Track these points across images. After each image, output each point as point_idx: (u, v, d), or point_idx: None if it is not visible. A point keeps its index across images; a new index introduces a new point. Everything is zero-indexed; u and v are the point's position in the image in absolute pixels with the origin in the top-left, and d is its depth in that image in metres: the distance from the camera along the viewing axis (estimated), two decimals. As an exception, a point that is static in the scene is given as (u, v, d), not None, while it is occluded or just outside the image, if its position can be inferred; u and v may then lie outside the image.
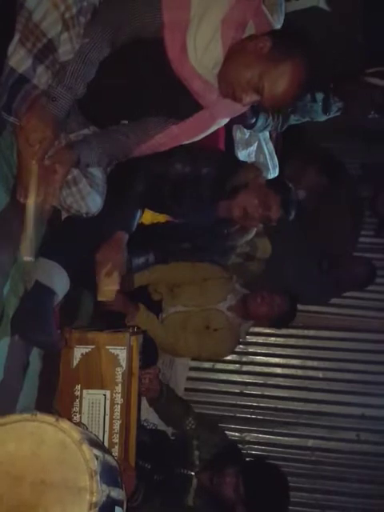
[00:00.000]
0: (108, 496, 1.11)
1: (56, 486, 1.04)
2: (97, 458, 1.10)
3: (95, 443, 1.18)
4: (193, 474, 2.26)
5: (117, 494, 1.20)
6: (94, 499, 1.04)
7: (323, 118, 2.54)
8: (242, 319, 2.53)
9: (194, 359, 2.95)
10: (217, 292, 2.50)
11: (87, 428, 1.61)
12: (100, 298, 1.77)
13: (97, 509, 1.04)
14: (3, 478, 1.05)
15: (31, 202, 1.34)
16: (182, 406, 2.45)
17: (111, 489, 1.14)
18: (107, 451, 1.27)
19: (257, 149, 2.33)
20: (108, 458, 1.22)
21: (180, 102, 1.49)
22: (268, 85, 1.37)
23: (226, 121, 1.66)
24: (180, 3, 1.35)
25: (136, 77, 1.45)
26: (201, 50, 1.37)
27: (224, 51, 1.39)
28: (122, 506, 1.24)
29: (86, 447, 1.07)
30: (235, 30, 1.38)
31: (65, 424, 1.08)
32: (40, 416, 1.09)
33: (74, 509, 1.03)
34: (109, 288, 1.74)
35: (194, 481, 2.24)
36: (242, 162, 2.18)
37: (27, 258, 1.35)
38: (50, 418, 1.08)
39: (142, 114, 1.54)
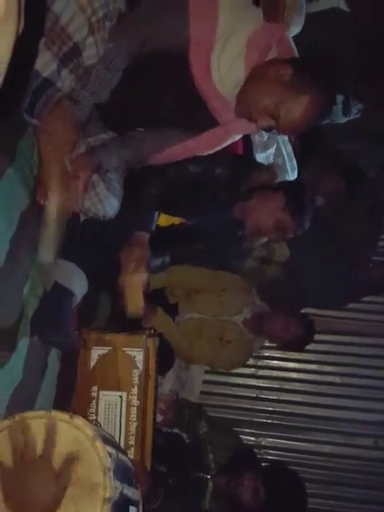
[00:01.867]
0: (121, 493, 1.12)
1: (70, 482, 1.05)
2: (110, 456, 1.10)
3: (109, 441, 1.19)
4: (208, 477, 2.25)
5: (131, 493, 1.20)
6: (108, 495, 1.04)
7: (343, 119, 2.52)
8: (255, 335, 2.52)
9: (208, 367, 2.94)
10: (234, 304, 2.48)
11: (101, 426, 1.61)
12: (129, 315, 1.75)
13: (110, 504, 1.05)
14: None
15: (53, 205, 1.35)
16: (194, 411, 2.45)
17: (125, 486, 1.14)
18: (121, 450, 1.28)
19: (275, 151, 2.32)
20: (122, 456, 1.23)
21: (197, 116, 1.51)
22: (285, 113, 1.39)
23: (239, 136, 1.70)
24: (208, 22, 1.36)
25: (157, 88, 1.47)
26: (224, 70, 1.39)
27: (246, 73, 1.41)
28: (137, 507, 1.24)
29: (99, 444, 1.08)
30: (259, 53, 1.40)
31: (79, 421, 1.09)
32: (54, 413, 1.09)
33: (88, 505, 1.04)
34: (136, 296, 1.72)
35: (210, 484, 2.23)
36: (257, 163, 2.18)
37: (47, 259, 1.35)
38: (65, 415, 1.09)
39: (160, 124, 1.55)
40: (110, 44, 1.35)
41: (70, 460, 1.04)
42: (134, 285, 1.72)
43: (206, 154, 1.65)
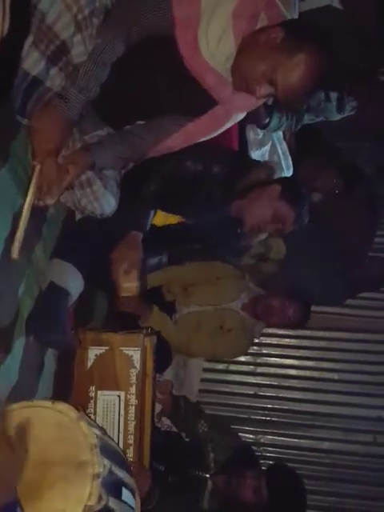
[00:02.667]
0: (111, 471, 1.13)
1: (58, 463, 1.07)
2: (96, 436, 1.12)
3: (94, 425, 1.20)
4: (207, 476, 2.25)
5: (123, 475, 1.21)
6: (96, 471, 1.06)
7: (337, 117, 2.52)
8: (255, 319, 2.53)
9: (208, 360, 2.94)
10: (230, 291, 2.50)
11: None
12: (123, 294, 1.74)
13: (99, 480, 1.06)
14: None
15: (28, 202, 1.34)
16: (194, 410, 2.45)
17: (114, 466, 1.16)
18: (108, 436, 1.30)
19: (270, 149, 2.32)
20: (109, 440, 1.25)
21: (194, 98, 1.48)
22: (282, 76, 1.35)
23: (241, 116, 1.65)
24: None
25: (149, 75, 1.45)
26: (213, 44, 1.36)
27: (236, 44, 1.37)
28: (132, 493, 1.25)
29: (83, 424, 1.10)
30: (247, 21, 1.37)
31: (61, 406, 1.11)
32: (36, 402, 1.13)
33: (78, 482, 1.06)
34: (130, 285, 1.72)
35: (209, 483, 2.23)
36: (254, 160, 2.17)
37: (15, 256, 1.34)
38: (47, 402, 1.12)
39: (157, 112, 1.53)
40: (98, 40, 1.34)
41: (22, 430, 1.05)
42: (128, 288, 1.72)
43: (209, 137, 1.60)
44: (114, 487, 1.15)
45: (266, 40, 1.35)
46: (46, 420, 1.10)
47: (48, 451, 1.08)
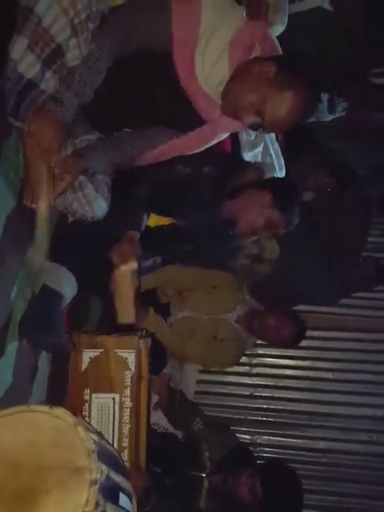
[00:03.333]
0: (108, 477, 1.13)
1: (54, 468, 1.06)
2: (93, 441, 1.11)
3: (91, 430, 1.20)
4: (204, 475, 2.25)
5: (120, 480, 1.21)
6: (93, 477, 1.05)
7: (329, 117, 2.53)
8: (248, 333, 2.52)
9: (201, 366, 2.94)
10: (226, 302, 2.49)
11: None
12: (120, 321, 1.76)
13: (97, 486, 1.05)
14: (1, 468, 1.06)
15: (44, 207, 1.35)
16: (190, 407, 2.45)
17: (112, 471, 1.15)
18: (106, 440, 1.29)
19: (263, 150, 2.32)
20: (106, 445, 1.24)
21: (184, 115, 1.51)
22: (270, 109, 1.39)
23: (226, 135, 1.70)
24: (190, 20, 1.37)
25: (144, 87, 1.47)
26: (208, 68, 1.40)
27: (230, 70, 1.41)
28: (129, 498, 1.25)
29: (81, 429, 1.09)
30: (242, 51, 1.41)
31: (58, 410, 1.10)
32: (33, 406, 1.11)
33: (75, 488, 1.05)
34: (127, 267, 1.71)
35: (205, 482, 2.23)
36: (245, 162, 2.18)
37: (39, 261, 1.35)
38: (44, 407, 1.11)
39: (147, 123, 1.56)
40: (93, 45, 1.35)
41: None
42: (125, 283, 1.71)
43: (193, 152, 1.65)
44: (111, 493, 1.15)
45: (259, 72, 1.39)
46: (43, 425, 1.09)
47: (45, 456, 1.07)
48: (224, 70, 1.41)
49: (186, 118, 1.52)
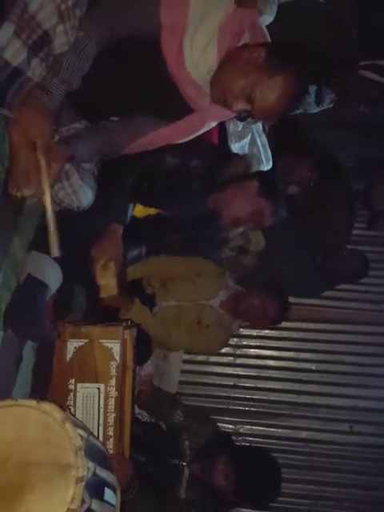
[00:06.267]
0: (95, 473, 1.13)
1: (41, 464, 1.06)
2: (81, 437, 1.11)
3: (79, 425, 1.20)
4: (184, 464, 2.27)
5: (106, 475, 1.21)
6: (80, 474, 1.06)
7: (316, 109, 2.54)
8: (232, 317, 2.54)
9: (187, 352, 2.95)
10: (209, 288, 2.51)
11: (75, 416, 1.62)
12: (102, 295, 1.76)
13: (83, 483, 1.06)
14: None
15: (48, 198, 1.33)
16: (170, 401, 2.47)
17: (98, 467, 1.16)
18: (93, 435, 1.29)
19: (250, 141, 2.32)
20: (94, 440, 1.24)
21: (172, 104, 1.49)
22: (259, 94, 1.38)
23: (215, 123, 1.68)
24: (179, 6, 1.35)
25: (131, 74, 1.45)
26: (197, 55, 1.38)
27: (219, 58, 1.40)
28: (114, 491, 1.25)
29: (68, 425, 1.09)
30: (231, 37, 1.39)
31: (47, 406, 1.10)
32: (21, 401, 1.11)
33: (61, 485, 1.05)
34: (107, 282, 1.72)
35: (186, 471, 2.26)
36: (233, 154, 2.18)
37: (55, 253, 1.34)
38: (32, 402, 1.10)
39: (134, 112, 1.54)
40: (81, 32, 1.33)
41: None
42: (107, 288, 1.72)
43: (181, 141, 1.63)
44: (96, 489, 1.15)
45: (249, 58, 1.38)
46: (31, 420, 1.09)
47: (31, 452, 1.07)
48: (213, 57, 1.39)
49: (174, 106, 1.50)
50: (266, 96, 1.39)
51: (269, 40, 1.47)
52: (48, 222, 1.34)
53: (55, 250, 1.35)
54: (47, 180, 1.33)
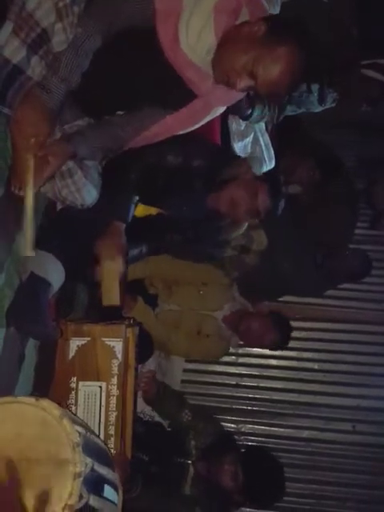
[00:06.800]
0: (93, 469, 1.14)
1: (40, 461, 1.07)
2: (79, 433, 1.12)
3: (78, 422, 1.20)
4: (189, 462, 2.28)
5: (106, 472, 1.21)
6: (77, 470, 1.06)
7: (319, 108, 2.53)
8: (233, 332, 2.53)
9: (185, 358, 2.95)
10: (215, 299, 2.49)
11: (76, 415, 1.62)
12: (105, 303, 1.75)
13: (81, 479, 1.06)
14: None
15: (29, 197, 1.33)
16: (177, 399, 2.47)
17: (97, 463, 1.16)
18: (93, 432, 1.29)
19: (253, 140, 2.32)
20: (93, 437, 1.24)
21: (174, 91, 1.47)
22: (262, 69, 1.35)
23: (221, 110, 1.65)
24: None
25: (130, 67, 1.44)
26: (193, 38, 1.36)
27: (217, 37, 1.37)
28: (115, 489, 1.26)
29: (66, 422, 1.10)
30: (228, 16, 1.37)
31: (45, 402, 1.11)
32: (20, 398, 1.12)
33: (59, 481, 1.06)
34: (110, 287, 1.71)
35: (191, 469, 2.26)
36: (235, 155, 2.18)
37: (29, 253, 1.33)
38: (30, 399, 1.11)
39: (137, 104, 1.53)
40: (79, 29, 1.33)
41: None
42: (110, 274, 1.71)
43: (187, 130, 1.60)
44: (95, 485, 1.15)
45: (248, 33, 1.35)
46: (30, 417, 1.10)
47: (30, 449, 1.08)
48: (210, 38, 1.37)
49: (177, 93, 1.47)
50: (269, 69, 1.35)
51: (268, 13, 1.43)
52: (26, 221, 1.32)
53: (29, 250, 1.33)
54: (32, 180, 1.32)
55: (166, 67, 1.41)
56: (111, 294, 1.71)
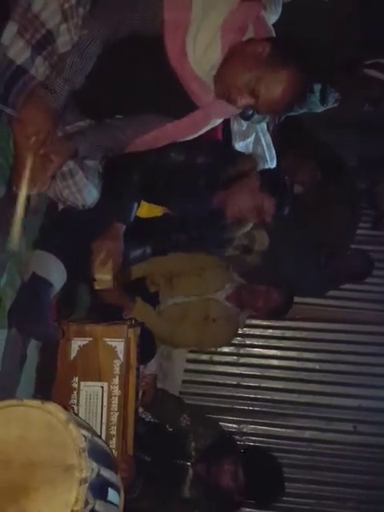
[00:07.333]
0: (98, 474, 1.13)
1: (45, 465, 1.06)
2: (85, 438, 1.11)
3: (83, 426, 1.20)
4: (189, 464, 2.28)
5: (110, 475, 1.21)
6: (83, 475, 1.05)
7: (321, 109, 2.53)
8: (239, 308, 2.54)
9: (191, 351, 2.96)
10: (215, 281, 2.52)
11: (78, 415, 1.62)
12: (96, 287, 1.77)
13: (87, 484, 1.05)
14: None
15: (23, 193, 1.33)
16: (175, 405, 2.47)
17: (102, 468, 1.15)
18: (97, 435, 1.29)
19: (254, 140, 2.32)
20: (98, 440, 1.24)
21: (176, 101, 1.49)
22: (264, 89, 1.39)
23: (219, 121, 1.68)
24: (181, 4, 1.35)
25: (134, 72, 1.45)
26: (200, 52, 1.38)
27: (223, 53, 1.40)
28: (118, 491, 1.25)
29: (72, 426, 1.09)
30: (235, 33, 1.40)
31: (51, 406, 1.10)
32: (26, 401, 1.11)
33: (64, 486, 1.05)
34: (103, 277, 1.73)
35: (190, 471, 2.26)
36: (238, 152, 2.17)
37: (14, 247, 1.34)
38: (36, 402, 1.10)
39: (138, 110, 1.53)
40: (84, 30, 1.33)
41: None
42: (100, 284, 1.74)
43: (186, 139, 1.63)
44: (100, 489, 1.15)
45: (253, 52, 1.38)
46: (35, 421, 1.09)
47: (36, 453, 1.07)
48: (216, 53, 1.39)
49: (179, 103, 1.50)
50: (270, 90, 1.39)
51: (273, 34, 1.47)
52: (15, 219, 1.32)
53: (14, 245, 1.33)
54: (27, 179, 1.32)
55: (170, 77, 1.42)
56: (103, 280, 1.73)
